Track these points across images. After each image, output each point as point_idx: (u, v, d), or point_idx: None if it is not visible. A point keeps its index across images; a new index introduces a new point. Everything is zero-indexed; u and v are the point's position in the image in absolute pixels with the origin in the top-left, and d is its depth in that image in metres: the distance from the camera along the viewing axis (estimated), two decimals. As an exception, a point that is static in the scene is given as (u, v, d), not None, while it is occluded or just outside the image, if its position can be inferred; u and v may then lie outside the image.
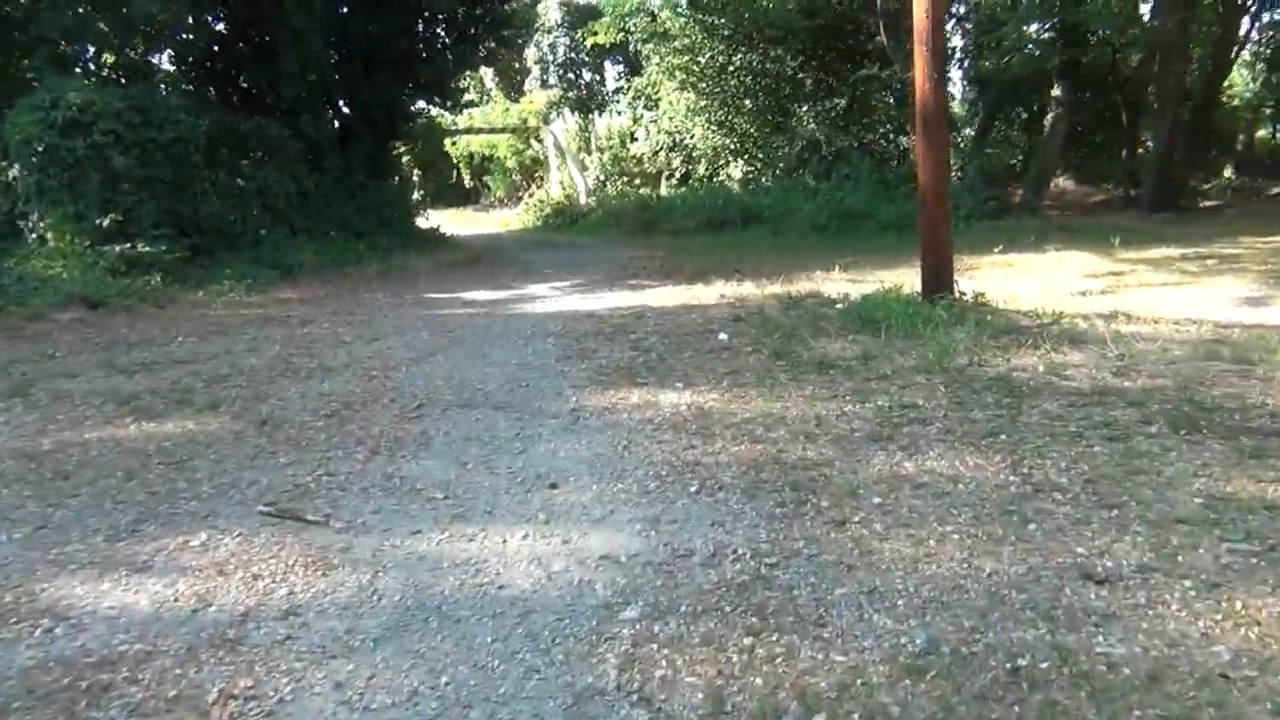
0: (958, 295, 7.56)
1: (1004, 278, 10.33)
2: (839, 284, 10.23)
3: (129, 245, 11.50)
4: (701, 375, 6.23)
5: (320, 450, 4.92)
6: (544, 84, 30.92)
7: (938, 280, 7.49)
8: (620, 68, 30.41)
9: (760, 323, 7.91)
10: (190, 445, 5.06)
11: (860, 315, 7.39)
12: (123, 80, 14.23)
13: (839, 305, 8.25)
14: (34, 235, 11.67)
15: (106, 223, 11.53)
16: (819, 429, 4.89)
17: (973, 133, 21.08)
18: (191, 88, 15.79)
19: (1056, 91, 18.65)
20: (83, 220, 11.55)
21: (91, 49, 14.14)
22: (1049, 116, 19.09)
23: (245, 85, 15.93)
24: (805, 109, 21.74)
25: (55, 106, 11.57)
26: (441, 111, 22.64)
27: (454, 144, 33.18)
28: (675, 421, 5.17)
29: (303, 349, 7.84)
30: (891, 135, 20.89)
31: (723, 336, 7.34)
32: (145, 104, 12.60)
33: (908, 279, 10.36)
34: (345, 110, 16.91)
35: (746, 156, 22.96)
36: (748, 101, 22.62)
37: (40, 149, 11.43)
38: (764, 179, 21.70)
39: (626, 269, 13.53)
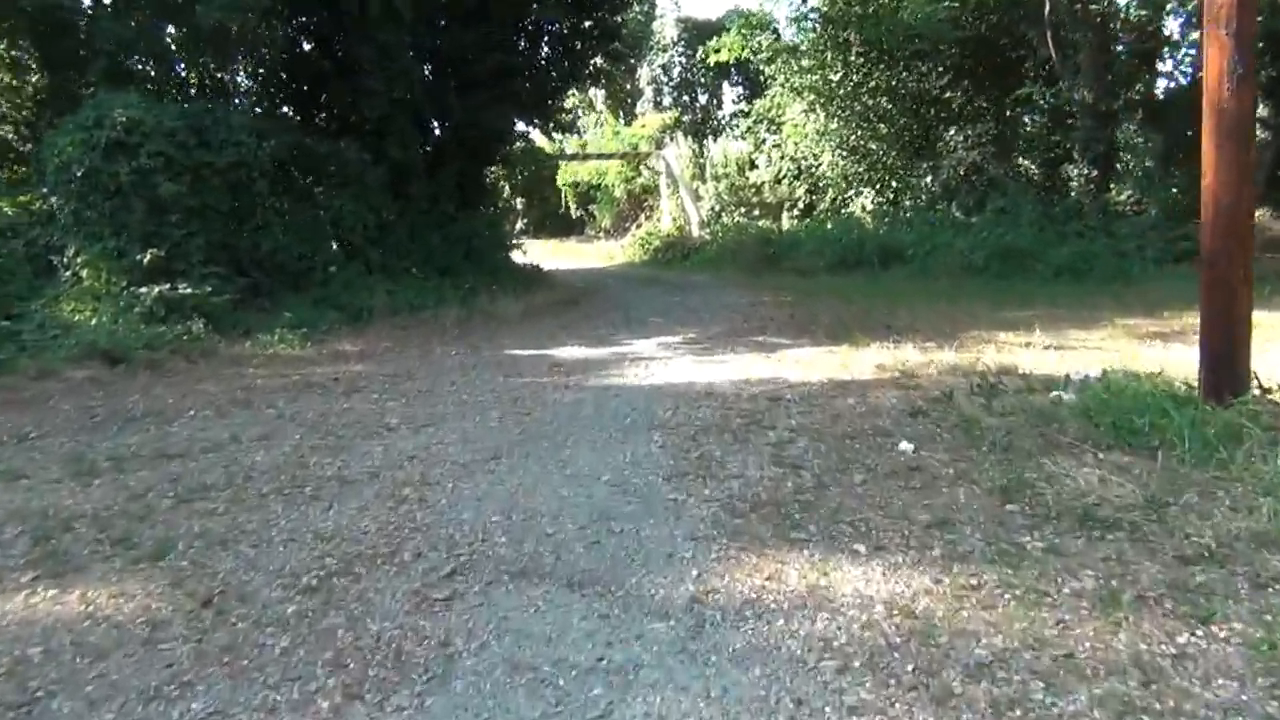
0: (1258, 391, 5.13)
1: (1257, 348, 7.77)
2: (1036, 352, 7.84)
3: (169, 286, 9.87)
4: (891, 526, 3.99)
5: (267, 681, 2.90)
6: (657, 106, 29.08)
7: (1229, 370, 5.06)
8: (739, 89, 28.38)
9: (954, 421, 5.61)
10: (73, 651, 3.13)
11: (1113, 420, 5.02)
12: (188, 97, 12.79)
13: (1062, 395, 5.89)
14: (68, 273, 10.15)
15: (148, 259, 9.94)
16: (1157, 697, 2.61)
17: (1150, 162, 18.09)
18: (269, 106, 14.29)
19: (1263, 111, 15.76)
20: (122, 257, 10.02)
21: (157, 63, 12.69)
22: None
23: (328, 104, 14.38)
24: (952, 132, 19.24)
25: (100, 125, 10.09)
26: (545, 134, 20.91)
27: (562, 170, 31.55)
28: (872, 649, 2.96)
29: (329, 439, 5.90)
30: (1053, 163, 18.17)
31: (906, 447, 5.08)
32: (203, 123, 11.06)
33: (1123, 346, 7.98)
34: (436, 132, 15.20)
35: (880, 185, 20.55)
36: (883, 125, 20.23)
37: (79, 174, 9.96)
38: (901, 211, 19.23)
39: (750, 319, 11.33)
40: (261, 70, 14.08)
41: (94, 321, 9.41)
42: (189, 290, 9.97)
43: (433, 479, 4.95)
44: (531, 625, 3.22)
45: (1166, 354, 7.49)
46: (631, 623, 3.21)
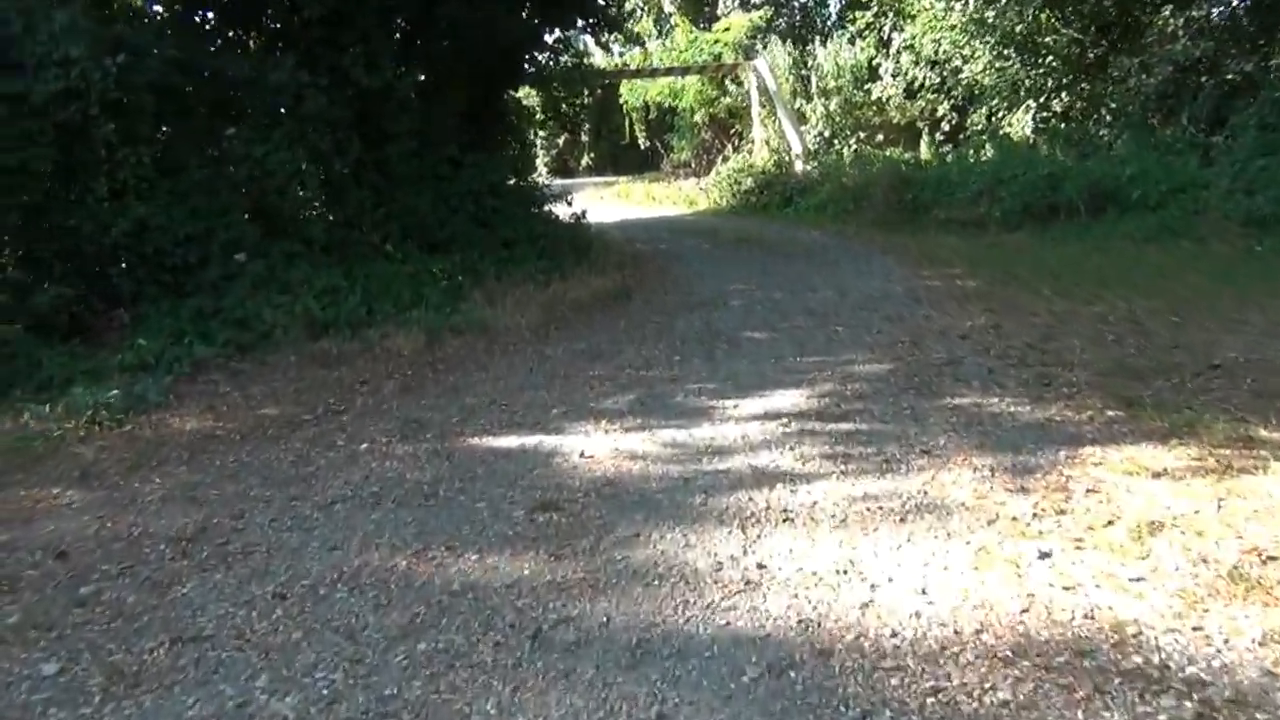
0: None
1: None
2: None
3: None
4: None
5: None
6: (743, 5, 23.85)
7: None
8: (849, -21, 22.91)
9: None
10: None
11: None
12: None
13: None
14: None
15: None
16: None
17: None
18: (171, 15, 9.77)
19: None
20: None
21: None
22: None
23: (260, 5, 9.79)
24: (1167, 13, 13.65)
25: None
26: (597, 43, 16.12)
27: (627, 91, 26.40)
28: None
29: None
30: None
31: None
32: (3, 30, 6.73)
33: None
34: (428, 45, 10.49)
35: (1048, 95, 15.06)
36: (1053, 12, 14.70)
37: None
38: (1095, 129, 13.79)
39: (923, 337, 6.43)
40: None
41: None
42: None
43: None
44: None
45: None
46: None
